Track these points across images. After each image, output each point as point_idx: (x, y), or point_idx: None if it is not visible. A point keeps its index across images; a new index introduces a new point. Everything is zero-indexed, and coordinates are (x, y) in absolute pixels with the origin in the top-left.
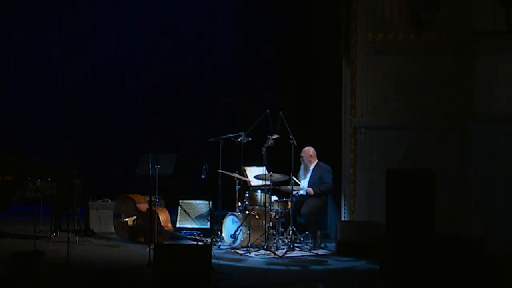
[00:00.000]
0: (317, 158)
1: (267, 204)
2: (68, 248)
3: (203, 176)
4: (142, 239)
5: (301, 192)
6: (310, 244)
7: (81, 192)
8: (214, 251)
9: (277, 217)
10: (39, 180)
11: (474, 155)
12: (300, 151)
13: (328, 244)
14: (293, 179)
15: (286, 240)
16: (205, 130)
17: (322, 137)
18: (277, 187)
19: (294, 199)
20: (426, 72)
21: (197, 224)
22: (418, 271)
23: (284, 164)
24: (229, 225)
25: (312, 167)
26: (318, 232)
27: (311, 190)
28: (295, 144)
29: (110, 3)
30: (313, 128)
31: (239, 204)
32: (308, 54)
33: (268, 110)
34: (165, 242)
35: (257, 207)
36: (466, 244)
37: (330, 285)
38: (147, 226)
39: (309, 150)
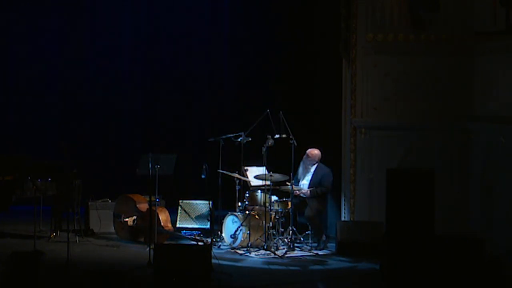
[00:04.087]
0: None
1: (267, 204)
2: (68, 248)
3: (203, 176)
4: (142, 239)
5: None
6: (310, 244)
7: (81, 192)
8: (214, 251)
9: (277, 217)
10: (39, 180)
11: (474, 155)
12: (300, 151)
13: (328, 244)
14: (291, 185)
15: (286, 240)
16: (205, 130)
17: (322, 137)
18: (277, 187)
19: (294, 200)
20: (426, 72)
21: (197, 224)
22: (418, 271)
23: (284, 164)
24: (229, 225)
25: (313, 168)
26: (323, 237)
27: (308, 192)
28: (295, 144)
29: (111, 3)
30: (313, 128)
31: (239, 204)
32: (308, 54)
33: (268, 110)
34: (165, 242)
35: (257, 207)
36: (466, 244)
37: (330, 285)
38: (147, 226)
39: (319, 154)
